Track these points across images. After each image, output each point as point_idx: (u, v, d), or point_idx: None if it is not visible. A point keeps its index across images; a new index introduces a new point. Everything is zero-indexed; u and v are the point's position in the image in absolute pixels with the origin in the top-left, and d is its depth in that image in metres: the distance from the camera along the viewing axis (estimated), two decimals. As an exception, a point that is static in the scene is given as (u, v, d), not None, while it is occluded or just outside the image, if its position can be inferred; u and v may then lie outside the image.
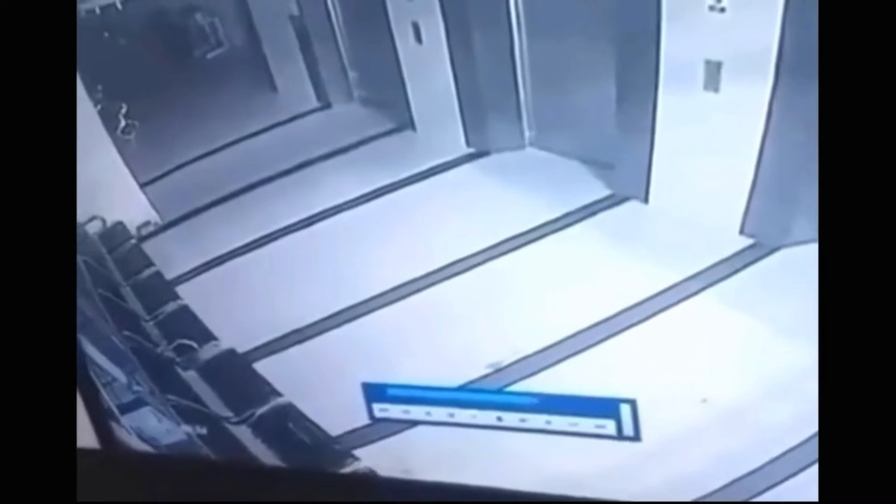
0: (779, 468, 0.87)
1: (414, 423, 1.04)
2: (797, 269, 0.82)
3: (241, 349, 1.11)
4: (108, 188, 1.11)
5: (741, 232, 0.85)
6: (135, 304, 1.16)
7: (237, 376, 1.12)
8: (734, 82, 0.79)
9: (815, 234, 0.67)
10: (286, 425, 1.11)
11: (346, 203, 1.01)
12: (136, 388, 1.20)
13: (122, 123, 1.09)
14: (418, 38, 0.93)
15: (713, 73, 0.79)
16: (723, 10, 0.76)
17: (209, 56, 1.04)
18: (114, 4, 1.05)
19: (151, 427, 1.20)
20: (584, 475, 0.96)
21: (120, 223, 1.14)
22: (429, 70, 0.94)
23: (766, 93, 0.77)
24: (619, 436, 0.94)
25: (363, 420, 1.06)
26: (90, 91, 1.08)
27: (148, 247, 1.13)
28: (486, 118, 0.94)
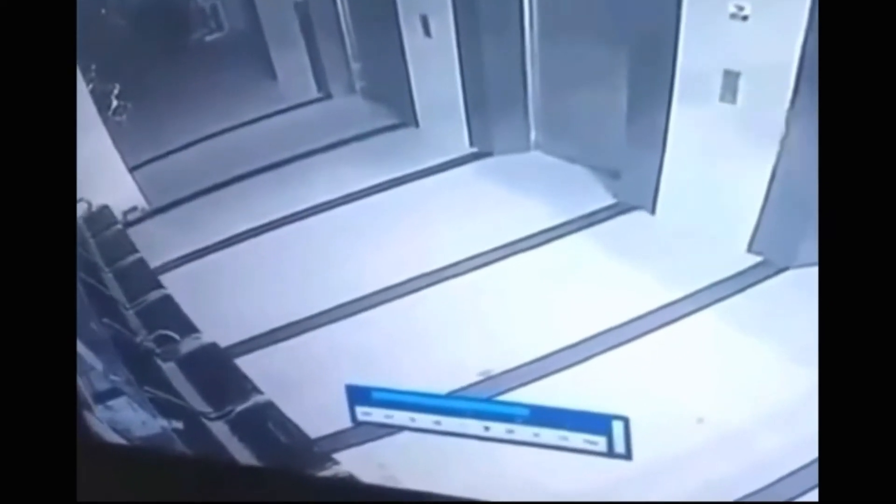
0: (775, 493, 0.85)
1: (398, 429, 1.02)
2: (804, 291, 0.80)
3: (223, 343, 1.09)
4: (96, 170, 1.09)
5: (749, 249, 0.83)
6: (116, 291, 1.15)
7: (217, 371, 1.10)
8: (752, 94, 0.77)
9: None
10: (265, 424, 1.09)
11: (340, 198, 1.00)
12: (112, 377, 1.18)
13: (115, 104, 1.07)
14: (427, 32, 0.91)
15: (731, 84, 0.78)
16: (745, 18, 0.75)
17: (208, 39, 1.02)
18: (113, -20, 1.03)
19: (126, 418, 1.19)
20: (571, 491, 0.94)
21: (106, 207, 1.12)
22: (435, 65, 0.92)
23: (784, 107, 0.76)
24: (610, 453, 0.92)
25: (345, 423, 1.04)
26: (83, 70, 1.06)
27: (133, 233, 1.11)
28: (491, 118, 0.92)
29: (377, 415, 1.03)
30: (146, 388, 1.15)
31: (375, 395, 1.02)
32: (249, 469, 1.12)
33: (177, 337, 1.11)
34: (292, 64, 1.00)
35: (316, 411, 1.07)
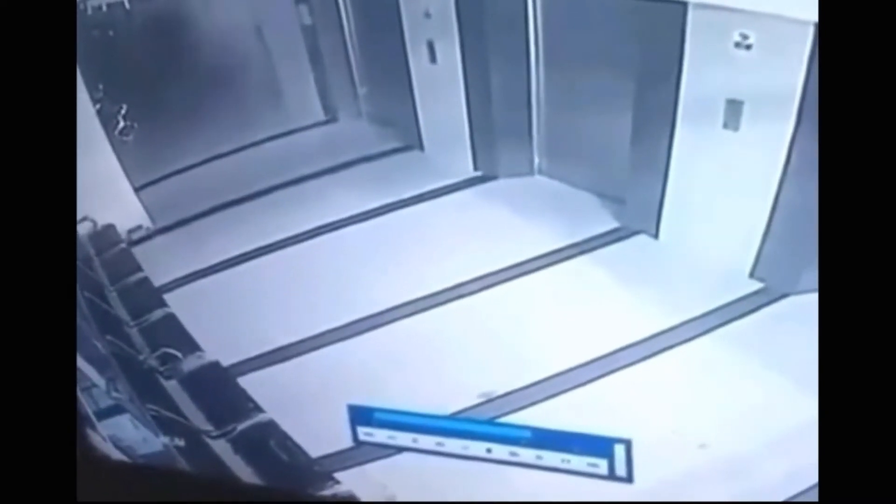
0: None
1: (399, 450, 1.02)
2: (805, 317, 0.80)
3: (225, 362, 1.09)
4: (102, 189, 1.10)
5: (751, 275, 0.84)
6: (120, 309, 1.14)
7: (220, 389, 1.10)
8: (755, 122, 0.78)
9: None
10: (267, 443, 1.08)
11: (345, 220, 1.00)
12: (115, 394, 1.17)
13: (121, 124, 1.07)
14: (433, 58, 0.91)
15: (734, 112, 0.78)
16: (749, 47, 0.75)
17: (215, 62, 1.02)
18: (122, 2, 1.03)
19: (128, 436, 1.18)
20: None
21: (111, 226, 1.12)
22: (441, 90, 0.93)
23: (787, 135, 0.76)
24: (611, 476, 0.92)
25: (346, 443, 1.04)
26: (91, 89, 1.06)
27: (138, 252, 1.12)
28: (496, 142, 0.93)
29: (379, 435, 1.02)
30: (149, 405, 1.14)
31: (377, 415, 1.02)
32: (251, 487, 1.11)
33: (179, 355, 1.11)
34: (299, 87, 1.00)
35: (318, 431, 1.06)
